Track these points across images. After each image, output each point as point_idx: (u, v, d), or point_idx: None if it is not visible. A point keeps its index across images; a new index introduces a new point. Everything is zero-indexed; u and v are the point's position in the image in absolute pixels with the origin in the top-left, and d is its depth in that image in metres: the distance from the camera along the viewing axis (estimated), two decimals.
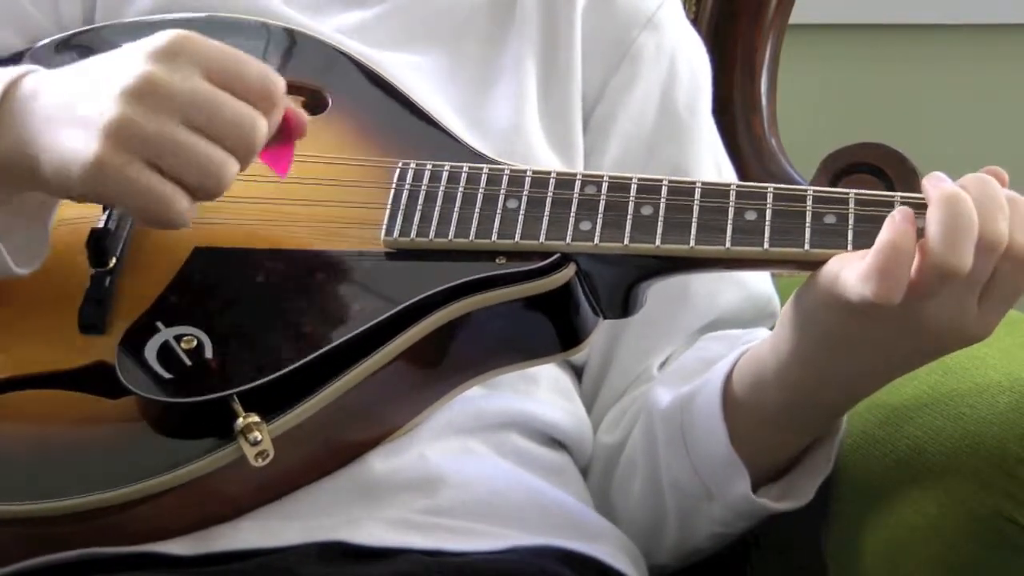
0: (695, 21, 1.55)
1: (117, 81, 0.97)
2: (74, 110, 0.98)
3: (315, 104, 1.14)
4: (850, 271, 1.01)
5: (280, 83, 1.01)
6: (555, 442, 1.22)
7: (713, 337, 1.24)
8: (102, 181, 0.97)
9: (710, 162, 1.30)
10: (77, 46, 1.22)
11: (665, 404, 1.18)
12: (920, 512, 1.12)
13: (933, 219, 0.99)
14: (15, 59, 1.21)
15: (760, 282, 1.27)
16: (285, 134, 1.03)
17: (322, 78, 1.16)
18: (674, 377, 1.21)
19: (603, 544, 1.15)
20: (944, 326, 1.01)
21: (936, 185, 1.00)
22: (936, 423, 1.14)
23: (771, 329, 1.26)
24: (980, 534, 1.10)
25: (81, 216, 1.10)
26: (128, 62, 0.98)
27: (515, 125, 1.23)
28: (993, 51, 2.28)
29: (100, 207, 1.10)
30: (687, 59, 1.32)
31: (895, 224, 0.99)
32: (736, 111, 1.55)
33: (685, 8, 1.46)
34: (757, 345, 1.13)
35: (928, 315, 1.01)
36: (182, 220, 0.98)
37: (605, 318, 1.10)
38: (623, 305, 1.09)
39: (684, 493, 1.17)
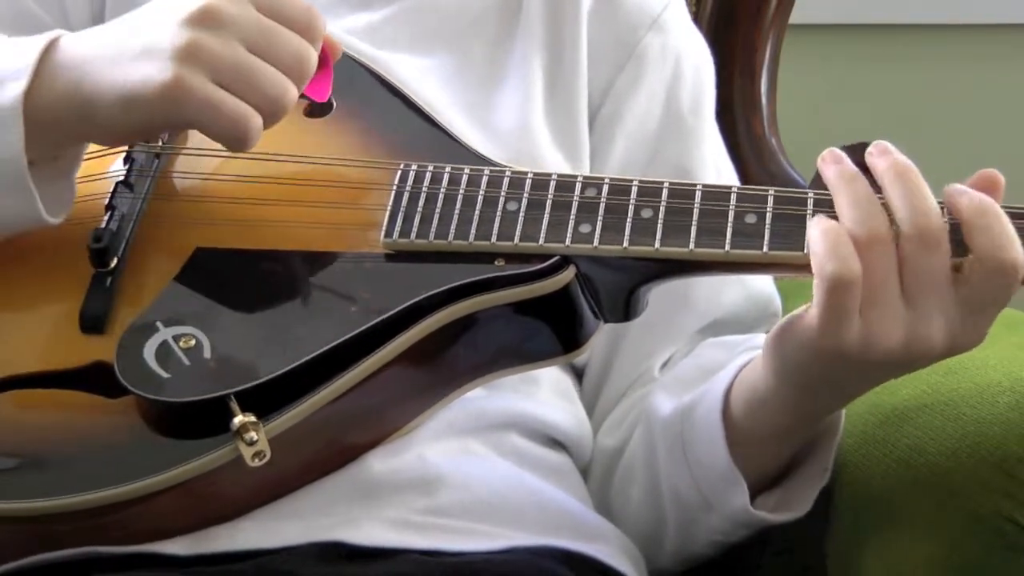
0: (695, 21, 1.54)
1: (179, 13, 1.01)
2: (134, 44, 1.02)
3: (320, 107, 1.14)
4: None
5: (321, 17, 1.05)
6: (555, 442, 1.22)
7: (712, 344, 1.24)
8: (182, 100, 1.00)
9: (711, 164, 1.30)
10: None
11: (666, 413, 1.18)
12: (920, 512, 1.12)
13: (840, 202, 1.00)
14: None
15: (761, 282, 1.27)
16: (323, 61, 1.07)
17: None
18: (674, 385, 1.21)
19: (603, 544, 1.15)
20: (936, 344, 1.01)
21: (833, 171, 1.01)
22: (936, 423, 1.14)
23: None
24: (980, 534, 1.10)
25: (84, 216, 1.10)
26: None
27: (522, 126, 1.24)
28: (993, 51, 2.28)
29: (103, 208, 1.10)
30: (692, 61, 1.32)
31: (815, 223, 1.00)
32: (736, 111, 1.55)
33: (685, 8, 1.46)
34: (749, 369, 1.12)
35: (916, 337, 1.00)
36: (255, 139, 1.02)
37: (606, 322, 1.09)
38: (624, 309, 1.09)
39: (683, 503, 1.17)
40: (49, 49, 1.05)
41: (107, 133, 1.05)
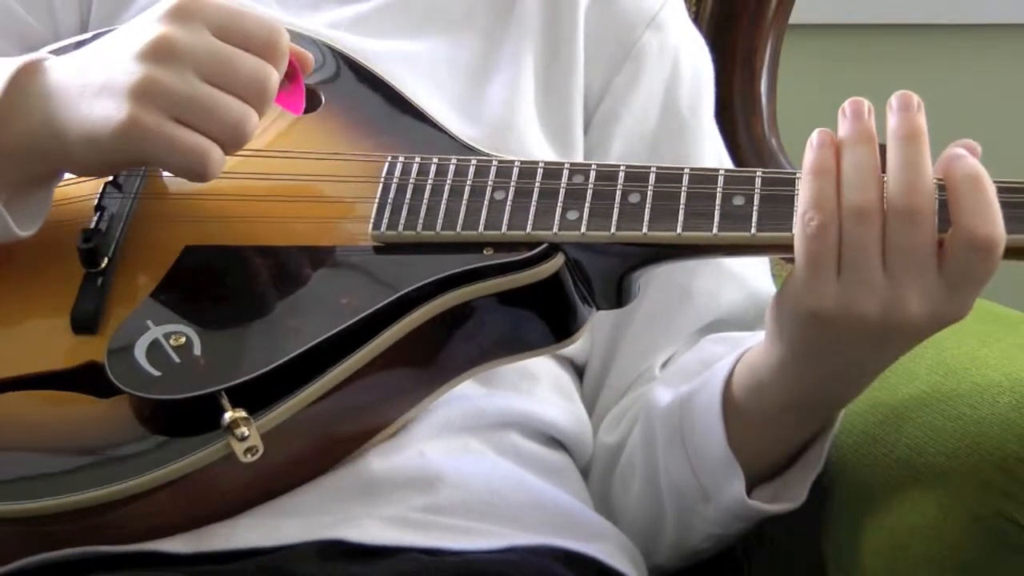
0: (695, 21, 1.55)
1: (135, 45, 1.01)
2: (96, 80, 1.02)
3: (309, 102, 1.14)
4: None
5: (284, 33, 1.04)
6: (555, 442, 1.22)
7: (715, 339, 1.24)
8: (139, 139, 1.00)
9: (713, 162, 1.30)
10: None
11: (664, 404, 1.17)
12: (920, 512, 1.12)
13: (845, 160, 0.99)
14: None
15: (762, 282, 1.27)
16: (292, 75, 1.07)
17: (315, 76, 1.16)
18: (674, 378, 1.21)
19: (602, 544, 1.15)
20: (914, 317, 1.00)
21: (849, 128, 1.00)
22: (936, 423, 1.14)
23: None
24: (980, 534, 1.10)
25: (74, 217, 1.10)
26: (142, 28, 1.02)
27: (508, 120, 1.23)
28: (993, 51, 2.28)
29: (92, 208, 1.10)
30: (690, 59, 1.32)
31: (814, 154, 0.99)
32: (736, 111, 1.55)
33: (685, 8, 1.46)
34: (752, 350, 1.12)
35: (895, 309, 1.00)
36: (216, 171, 1.02)
37: (599, 308, 1.09)
38: (616, 295, 1.09)
39: (681, 493, 1.17)
40: (22, 74, 1.04)
41: (80, 167, 1.06)
